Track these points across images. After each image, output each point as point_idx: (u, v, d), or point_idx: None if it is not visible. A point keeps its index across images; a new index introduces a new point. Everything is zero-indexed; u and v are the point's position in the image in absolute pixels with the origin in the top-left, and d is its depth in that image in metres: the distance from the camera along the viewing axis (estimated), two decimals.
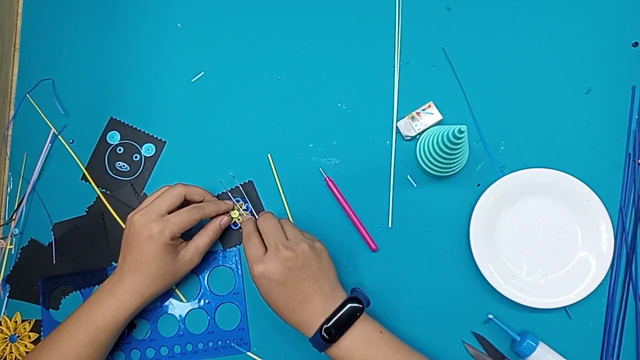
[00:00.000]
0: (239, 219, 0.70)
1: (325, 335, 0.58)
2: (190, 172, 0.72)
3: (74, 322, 0.62)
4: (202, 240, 0.66)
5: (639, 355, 0.66)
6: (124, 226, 0.70)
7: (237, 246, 0.71)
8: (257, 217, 0.67)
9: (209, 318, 0.70)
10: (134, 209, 0.65)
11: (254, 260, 0.60)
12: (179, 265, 0.65)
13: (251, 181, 0.72)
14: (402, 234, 0.70)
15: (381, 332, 0.60)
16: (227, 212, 0.69)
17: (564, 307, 0.67)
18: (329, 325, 0.58)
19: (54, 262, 0.71)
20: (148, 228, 0.62)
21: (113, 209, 0.72)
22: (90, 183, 0.72)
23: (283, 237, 0.61)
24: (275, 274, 0.59)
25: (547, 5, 0.74)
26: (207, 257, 0.70)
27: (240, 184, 0.71)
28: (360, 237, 0.70)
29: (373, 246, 0.69)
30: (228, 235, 0.71)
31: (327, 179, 0.70)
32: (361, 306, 0.60)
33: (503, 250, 0.68)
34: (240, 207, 0.70)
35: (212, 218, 0.68)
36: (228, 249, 0.70)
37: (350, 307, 0.60)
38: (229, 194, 0.70)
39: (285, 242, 0.60)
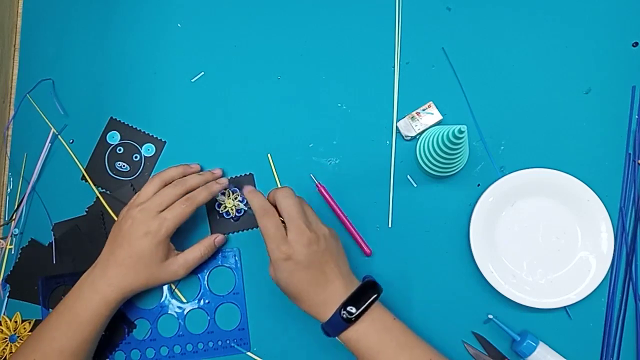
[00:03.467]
0: (232, 209, 0.70)
1: (344, 315, 0.58)
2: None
3: (56, 316, 0.63)
4: (193, 254, 0.67)
5: (639, 355, 0.66)
6: None
7: (237, 247, 0.71)
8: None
9: (209, 318, 0.70)
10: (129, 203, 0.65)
11: (278, 241, 0.59)
12: (164, 271, 0.65)
13: (252, 174, 0.72)
14: (402, 234, 0.70)
15: (394, 319, 0.60)
16: (223, 202, 0.70)
17: (564, 307, 0.67)
18: (349, 304, 0.58)
19: (54, 262, 0.71)
20: (146, 225, 0.62)
21: (112, 209, 0.71)
22: (90, 183, 0.72)
23: (305, 218, 0.60)
24: (301, 255, 0.58)
25: (547, 5, 0.74)
26: None
27: (240, 175, 0.71)
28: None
29: (367, 250, 0.69)
30: (224, 224, 0.71)
31: (319, 186, 0.70)
32: (378, 289, 0.60)
33: (503, 250, 0.68)
34: (235, 198, 0.70)
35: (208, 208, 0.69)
36: (228, 249, 0.70)
37: (371, 288, 0.60)
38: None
39: (308, 223, 0.59)
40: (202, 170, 0.71)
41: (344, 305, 0.58)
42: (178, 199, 0.65)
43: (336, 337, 0.59)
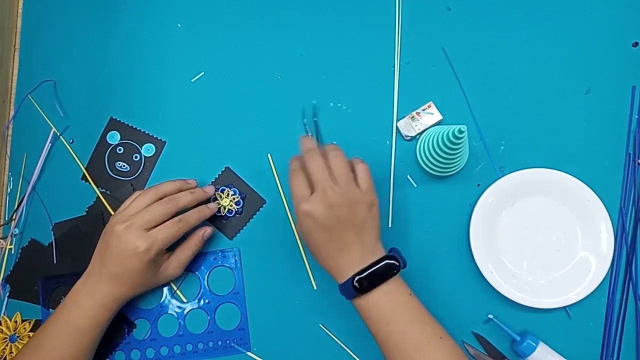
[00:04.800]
0: (231, 206, 0.70)
1: (356, 285, 0.58)
2: (190, 172, 0.72)
3: (54, 325, 0.62)
4: (185, 253, 0.67)
5: (639, 355, 0.66)
6: None
7: (237, 247, 0.71)
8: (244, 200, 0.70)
9: (209, 318, 0.70)
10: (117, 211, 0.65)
11: (300, 198, 0.59)
12: (161, 278, 0.66)
13: (227, 167, 0.72)
14: (402, 234, 0.70)
15: (410, 294, 0.60)
16: (219, 204, 0.70)
17: (564, 307, 0.67)
18: (362, 276, 0.58)
19: (54, 262, 0.71)
20: (134, 245, 0.61)
21: (112, 209, 0.72)
22: (90, 183, 0.72)
23: (330, 181, 0.59)
24: (319, 216, 0.58)
25: (547, 5, 0.74)
26: (207, 257, 0.70)
27: (218, 174, 0.72)
28: None
29: None
30: (230, 224, 0.71)
31: None
32: (398, 264, 0.59)
33: (503, 250, 0.68)
34: (227, 194, 0.70)
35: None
36: (228, 249, 0.70)
37: (387, 263, 0.59)
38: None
39: (334, 187, 0.58)
40: (197, 185, 0.70)
41: (356, 276, 0.58)
42: (167, 218, 0.64)
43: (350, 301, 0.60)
